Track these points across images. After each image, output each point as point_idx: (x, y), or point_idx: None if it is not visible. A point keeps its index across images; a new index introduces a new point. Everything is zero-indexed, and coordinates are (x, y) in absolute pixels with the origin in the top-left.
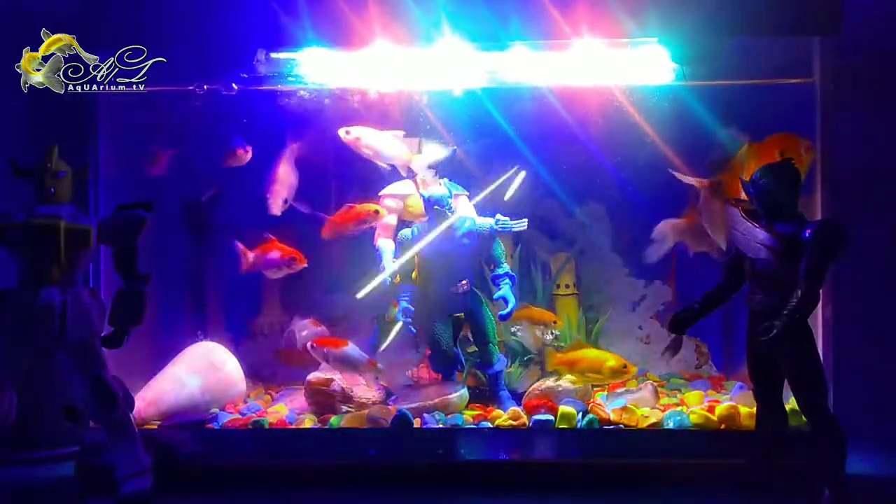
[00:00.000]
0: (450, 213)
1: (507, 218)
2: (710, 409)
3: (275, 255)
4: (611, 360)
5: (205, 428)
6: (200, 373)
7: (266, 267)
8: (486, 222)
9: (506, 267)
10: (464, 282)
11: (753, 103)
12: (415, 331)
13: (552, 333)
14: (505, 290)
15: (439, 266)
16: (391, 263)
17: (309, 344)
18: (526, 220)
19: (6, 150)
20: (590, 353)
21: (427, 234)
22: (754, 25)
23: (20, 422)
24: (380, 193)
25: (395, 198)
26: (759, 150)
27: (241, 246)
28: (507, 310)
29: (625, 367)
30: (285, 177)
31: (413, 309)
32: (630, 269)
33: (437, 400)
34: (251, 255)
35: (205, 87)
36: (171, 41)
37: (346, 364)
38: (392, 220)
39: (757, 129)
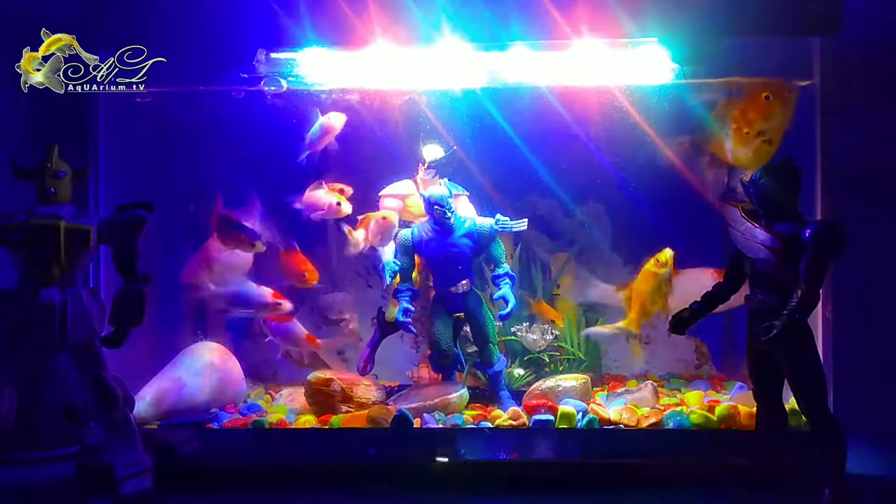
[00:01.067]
0: (450, 214)
1: (507, 218)
2: (710, 409)
3: (379, 220)
4: (651, 267)
5: (205, 428)
6: (200, 373)
7: (377, 234)
8: (487, 222)
9: (506, 267)
10: (464, 282)
11: None
12: (415, 331)
13: (552, 333)
14: (505, 290)
15: (439, 266)
16: (391, 263)
17: (261, 319)
18: (526, 220)
19: (6, 150)
20: (637, 287)
21: (428, 236)
22: (754, 25)
23: (20, 422)
24: (380, 193)
25: (395, 198)
26: (747, 92)
27: (347, 228)
28: (507, 310)
29: (658, 260)
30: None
31: (413, 309)
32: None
33: (437, 400)
34: (357, 234)
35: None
36: (171, 41)
37: (288, 337)
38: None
39: None
